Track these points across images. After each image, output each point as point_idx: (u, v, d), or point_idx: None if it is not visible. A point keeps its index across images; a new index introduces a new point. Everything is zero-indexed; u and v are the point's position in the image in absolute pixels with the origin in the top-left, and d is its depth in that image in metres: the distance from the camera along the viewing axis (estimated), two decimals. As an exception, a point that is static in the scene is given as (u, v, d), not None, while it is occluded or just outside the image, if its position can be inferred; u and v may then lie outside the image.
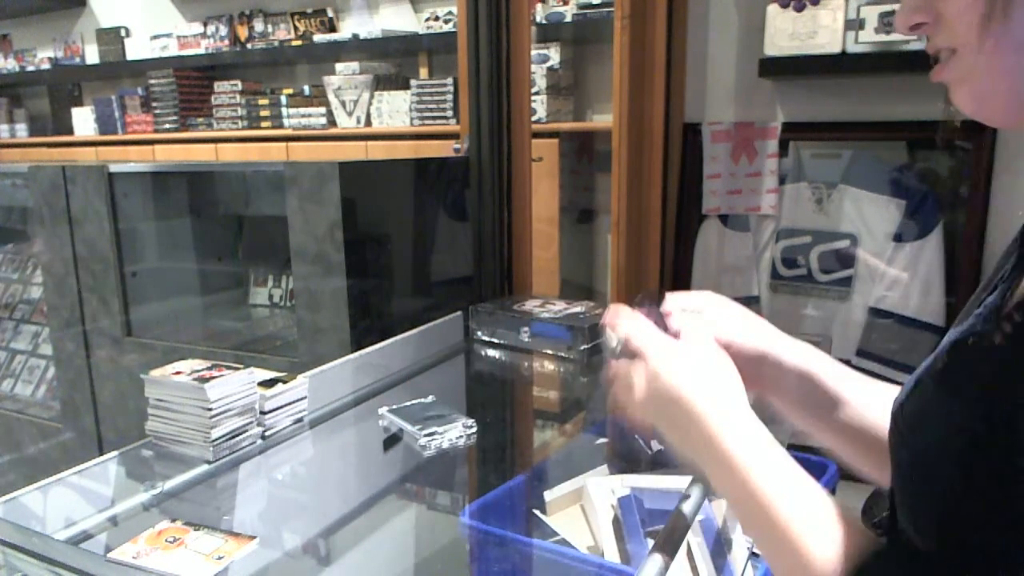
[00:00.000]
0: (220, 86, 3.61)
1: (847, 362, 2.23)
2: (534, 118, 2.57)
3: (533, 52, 2.39)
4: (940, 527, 0.50)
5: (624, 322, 0.72)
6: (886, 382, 0.79)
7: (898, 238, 1.98)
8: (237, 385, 1.13)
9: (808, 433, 0.80)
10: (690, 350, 0.69)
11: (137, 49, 3.97)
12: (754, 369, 0.75)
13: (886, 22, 1.80)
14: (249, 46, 3.60)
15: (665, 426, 0.69)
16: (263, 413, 1.17)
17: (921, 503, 0.53)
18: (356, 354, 1.50)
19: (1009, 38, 0.50)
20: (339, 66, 3.22)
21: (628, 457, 1.33)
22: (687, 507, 0.92)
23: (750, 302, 2.21)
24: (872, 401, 0.76)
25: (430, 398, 1.35)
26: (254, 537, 0.90)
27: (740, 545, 1.12)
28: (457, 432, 1.21)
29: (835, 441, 0.79)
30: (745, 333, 0.77)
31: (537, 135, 2.21)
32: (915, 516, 0.54)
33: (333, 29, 3.40)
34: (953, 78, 0.55)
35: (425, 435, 1.19)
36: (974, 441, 0.48)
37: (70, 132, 4.15)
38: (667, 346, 0.70)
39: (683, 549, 1.04)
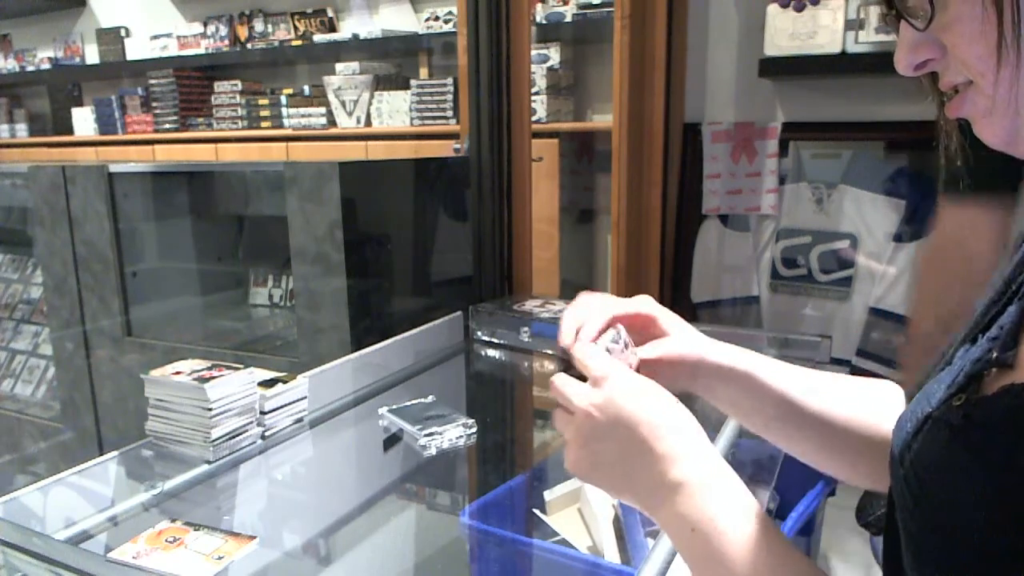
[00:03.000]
0: (220, 86, 3.61)
1: (847, 362, 2.22)
2: (534, 118, 2.57)
3: (533, 52, 2.39)
4: None
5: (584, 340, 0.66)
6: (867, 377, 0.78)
7: (898, 238, 1.98)
8: (237, 385, 1.13)
9: (756, 432, 0.77)
10: (649, 386, 0.62)
11: (137, 49, 3.97)
12: (690, 374, 0.72)
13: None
14: (249, 46, 3.60)
15: (608, 466, 0.61)
16: (263, 413, 1.17)
17: (948, 571, 0.48)
18: (356, 354, 1.50)
19: None
20: (339, 66, 3.22)
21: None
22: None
23: (750, 302, 2.21)
24: (821, 392, 0.73)
25: (430, 398, 1.35)
26: (254, 537, 0.90)
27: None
28: (457, 432, 1.21)
29: (783, 436, 0.75)
30: (683, 337, 0.73)
31: (537, 135, 2.21)
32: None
33: (333, 29, 3.40)
34: (974, 113, 0.51)
35: (425, 435, 1.19)
36: (1018, 513, 0.44)
37: (70, 132, 4.15)
38: (626, 374, 0.63)
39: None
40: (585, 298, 0.73)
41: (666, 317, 0.74)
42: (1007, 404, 0.47)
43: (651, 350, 0.72)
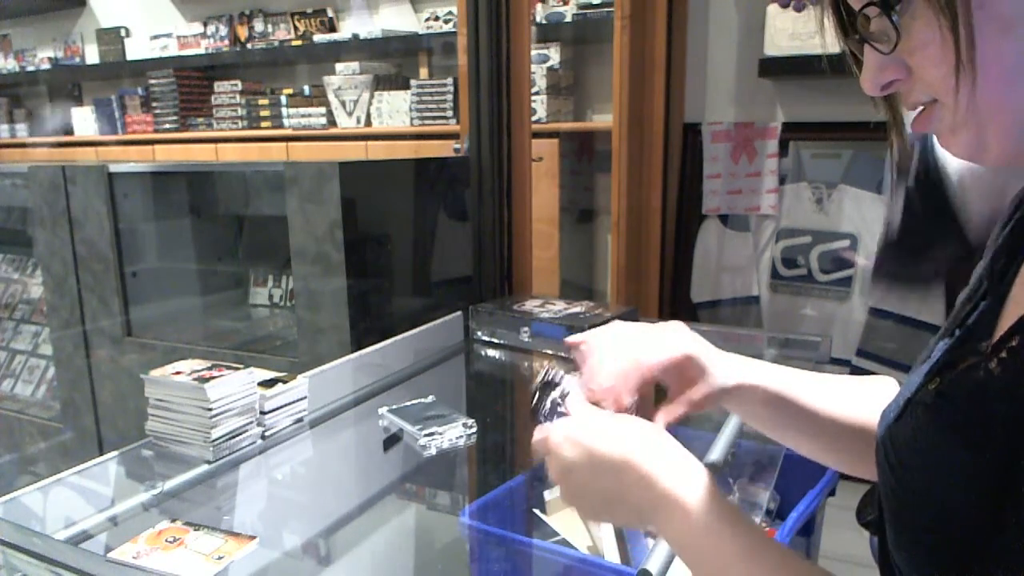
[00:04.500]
0: (220, 86, 3.61)
1: (847, 362, 2.21)
2: (534, 118, 2.57)
3: (533, 52, 2.39)
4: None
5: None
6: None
7: (898, 238, 1.98)
8: (237, 385, 1.13)
9: (763, 431, 0.82)
10: (611, 418, 0.67)
11: (137, 49, 3.97)
12: (679, 374, 0.76)
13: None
14: (249, 46, 3.60)
15: (603, 498, 0.64)
16: (263, 413, 1.17)
17: (930, 552, 0.51)
18: (356, 354, 1.50)
19: (985, 79, 0.48)
20: (339, 66, 3.22)
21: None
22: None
23: (750, 302, 2.21)
24: (826, 396, 0.77)
25: (430, 398, 1.35)
26: (254, 537, 0.90)
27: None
28: (457, 432, 1.21)
29: (788, 438, 0.80)
30: (659, 347, 0.76)
31: (537, 135, 2.21)
32: (920, 563, 0.52)
33: (333, 29, 3.40)
34: (940, 128, 0.53)
35: (425, 435, 1.19)
36: (990, 483, 0.46)
37: (70, 132, 4.14)
38: (590, 414, 0.68)
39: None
40: (614, 348, 0.75)
41: (702, 350, 0.76)
42: (975, 376, 0.49)
43: (690, 396, 0.75)
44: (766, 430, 0.80)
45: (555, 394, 0.72)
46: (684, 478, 0.61)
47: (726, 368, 0.77)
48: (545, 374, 0.74)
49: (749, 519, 0.60)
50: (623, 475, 0.62)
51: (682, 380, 0.76)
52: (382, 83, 3.18)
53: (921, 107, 0.54)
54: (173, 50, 3.80)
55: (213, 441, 1.10)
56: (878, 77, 0.55)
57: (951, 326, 0.59)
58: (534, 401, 0.73)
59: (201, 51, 3.72)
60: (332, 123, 3.28)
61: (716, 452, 1.07)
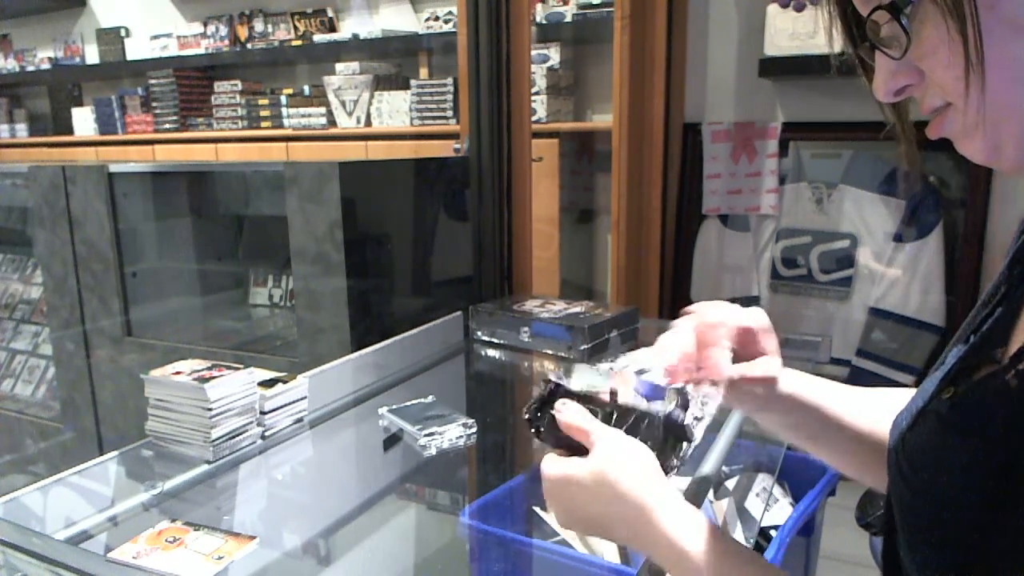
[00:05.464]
0: (220, 86, 3.61)
1: (847, 362, 2.21)
2: (534, 118, 2.57)
3: (533, 52, 2.39)
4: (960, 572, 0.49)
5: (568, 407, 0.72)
6: (885, 383, 0.80)
7: (898, 238, 1.98)
8: (237, 385, 1.13)
9: (798, 445, 0.80)
10: (622, 445, 0.66)
11: (137, 49, 3.97)
12: (749, 343, 0.74)
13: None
14: (249, 46, 3.60)
15: (605, 527, 0.66)
16: (263, 413, 1.17)
17: (942, 556, 0.51)
18: (356, 354, 1.50)
19: (996, 81, 0.48)
20: (339, 66, 3.22)
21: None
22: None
23: (750, 302, 2.21)
24: (866, 411, 0.76)
25: (430, 398, 1.35)
26: (254, 537, 0.90)
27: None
28: (457, 432, 1.21)
29: (825, 451, 0.79)
30: (742, 312, 0.74)
31: (537, 135, 2.21)
32: (928, 562, 0.52)
33: (333, 29, 3.40)
34: (954, 132, 0.53)
35: (425, 435, 1.19)
36: (997, 487, 0.47)
37: (70, 132, 4.15)
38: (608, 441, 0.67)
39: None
40: (700, 314, 0.74)
41: (770, 336, 0.75)
42: (991, 387, 0.50)
43: (736, 369, 0.74)
44: (798, 440, 0.78)
45: (552, 410, 0.74)
46: (670, 513, 0.61)
47: (787, 377, 0.75)
48: (543, 389, 0.75)
49: (736, 543, 0.61)
50: (609, 505, 0.63)
51: (748, 351, 0.74)
52: (382, 83, 3.18)
53: (935, 112, 0.54)
54: (173, 50, 3.80)
55: (213, 441, 1.10)
56: (891, 83, 0.54)
57: (966, 332, 0.60)
58: (530, 416, 0.75)
59: (201, 51, 3.72)
60: (332, 123, 3.28)
61: (715, 453, 1.07)
